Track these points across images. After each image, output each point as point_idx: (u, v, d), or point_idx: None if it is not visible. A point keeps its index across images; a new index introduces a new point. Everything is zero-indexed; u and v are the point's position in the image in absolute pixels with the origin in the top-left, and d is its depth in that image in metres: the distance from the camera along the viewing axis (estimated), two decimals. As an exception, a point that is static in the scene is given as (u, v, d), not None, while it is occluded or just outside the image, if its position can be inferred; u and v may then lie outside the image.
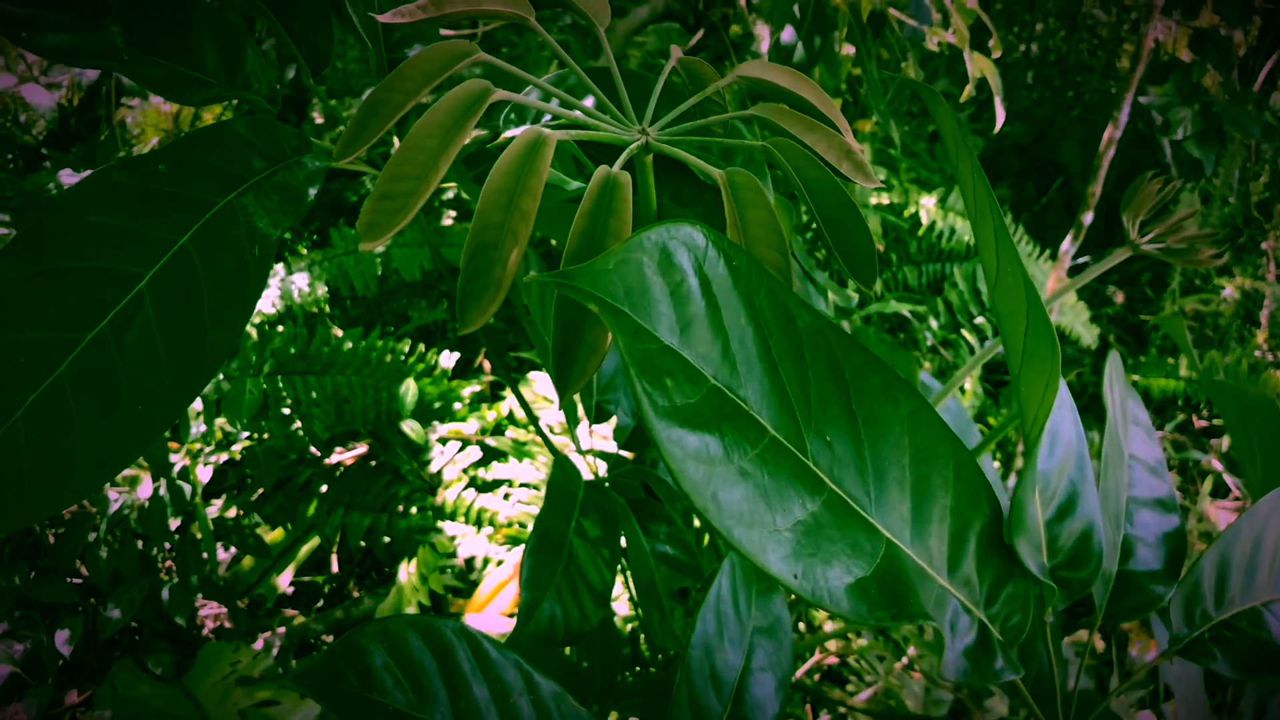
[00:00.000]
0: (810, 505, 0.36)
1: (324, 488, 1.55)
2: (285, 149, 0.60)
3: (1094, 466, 0.51)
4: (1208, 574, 0.50)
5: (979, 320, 2.15)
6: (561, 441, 1.63)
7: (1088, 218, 1.79)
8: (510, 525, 1.49)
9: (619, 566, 0.76)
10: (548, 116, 0.65)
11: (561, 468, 0.76)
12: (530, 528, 1.28)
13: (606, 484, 0.81)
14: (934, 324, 2.13)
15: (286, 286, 1.92)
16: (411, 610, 1.27)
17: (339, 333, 1.83)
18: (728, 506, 0.32)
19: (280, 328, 1.70)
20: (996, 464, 1.99)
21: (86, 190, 0.54)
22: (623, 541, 0.79)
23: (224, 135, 0.58)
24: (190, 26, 0.61)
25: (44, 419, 0.50)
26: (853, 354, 0.39)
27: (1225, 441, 2.18)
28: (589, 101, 0.69)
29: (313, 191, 0.59)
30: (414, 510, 1.48)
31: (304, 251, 2.12)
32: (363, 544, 1.55)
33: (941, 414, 0.97)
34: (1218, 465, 2.11)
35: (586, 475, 0.81)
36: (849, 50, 1.61)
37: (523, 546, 1.25)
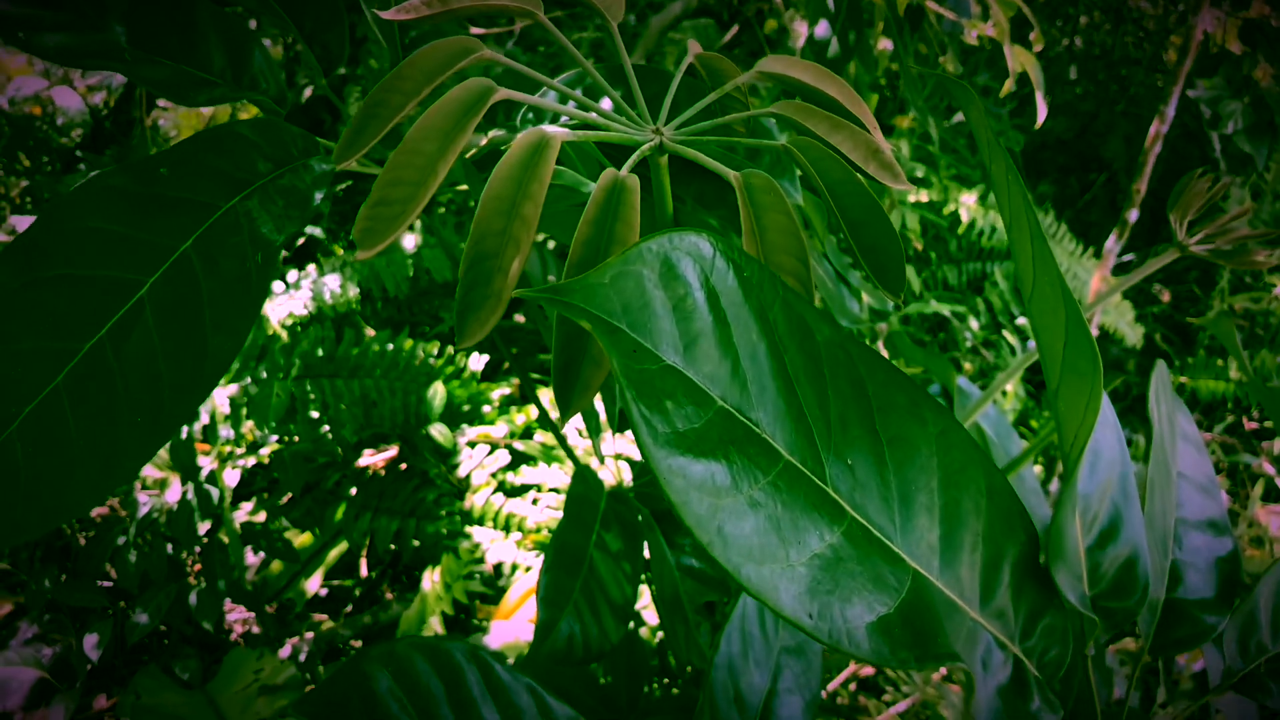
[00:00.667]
0: (829, 536, 0.33)
1: (353, 491, 1.53)
2: (292, 151, 0.58)
3: (1138, 471, 0.48)
4: (1264, 602, 0.46)
5: (1021, 321, 2.10)
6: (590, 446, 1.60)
7: (1133, 215, 1.74)
8: (539, 530, 1.47)
9: (643, 578, 0.74)
10: (565, 117, 0.62)
11: (582, 478, 0.73)
12: (559, 533, 1.25)
13: (631, 494, 0.79)
14: (974, 324, 2.09)
15: (318, 288, 1.91)
16: (435, 620, 1.25)
17: (371, 333, 1.82)
18: (736, 541, 0.29)
19: (313, 329, 1.69)
20: (1039, 468, 1.95)
21: (85, 195, 0.53)
22: (646, 553, 0.77)
23: (228, 137, 0.56)
24: (196, 25, 0.60)
25: (40, 432, 0.49)
26: (877, 370, 0.36)
27: (1277, 444, 2.11)
28: (606, 102, 0.66)
29: (319, 195, 0.57)
30: (442, 514, 1.46)
31: (340, 252, 2.11)
32: (392, 546, 1.53)
33: (981, 421, 0.94)
34: (1269, 469, 2.05)
35: (612, 481, 0.78)
36: (885, 45, 1.57)
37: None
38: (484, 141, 0.72)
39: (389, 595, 1.66)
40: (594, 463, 1.45)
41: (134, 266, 0.52)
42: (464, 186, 0.63)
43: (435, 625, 1.26)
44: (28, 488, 0.49)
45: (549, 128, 0.44)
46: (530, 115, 0.67)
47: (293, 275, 1.87)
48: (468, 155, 0.66)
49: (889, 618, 0.33)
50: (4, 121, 2.04)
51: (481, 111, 0.43)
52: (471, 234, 0.38)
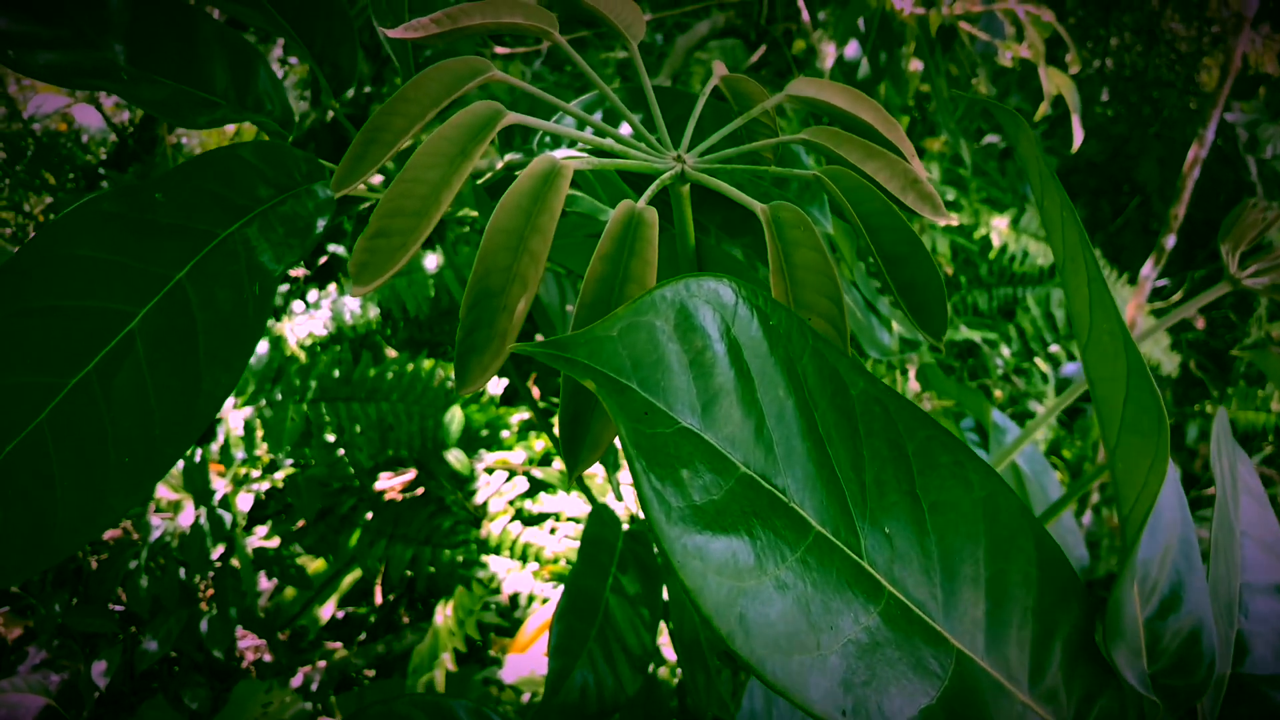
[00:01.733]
0: (864, 617, 0.29)
1: (369, 515, 1.51)
2: (295, 175, 0.56)
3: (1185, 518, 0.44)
4: (1337, 677, 0.42)
5: (1054, 349, 2.05)
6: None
7: (1170, 241, 1.69)
8: (556, 561, 1.44)
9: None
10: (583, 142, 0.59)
11: (598, 519, 0.70)
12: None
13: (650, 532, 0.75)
14: (1005, 351, 2.04)
15: (338, 307, 1.89)
16: (447, 656, 1.22)
17: (393, 354, 1.79)
18: (760, 630, 0.26)
19: (333, 349, 1.67)
20: (1059, 474, 1.89)
21: (76, 220, 0.50)
22: (665, 595, 0.73)
23: (228, 161, 0.54)
24: (198, 43, 0.57)
25: (21, 472, 0.46)
26: (917, 427, 0.33)
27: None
28: (627, 127, 0.63)
29: (322, 223, 0.54)
30: (459, 542, 1.43)
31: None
32: (408, 573, 1.50)
33: (1019, 461, 0.89)
34: (1309, 502, 1.99)
35: (633, 510, 0.75)
36: (916, 66, 1.54)
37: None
38: (500, 165, 0.69)
39: (405, 620, 1.63)
40: (610, 498, 1.42)
41: (125, 297, 0.49)
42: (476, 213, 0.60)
43: (447, 661, 1.22)
44: (6, 532, 0.46)
45: (561, 155, 0.41)
46: (547, 140, 0.64)
47: (313, 295, 1.85)
48: (480, 181, 0.63)
49: (931, 709, 0.30)
50: (30, 138, 2.04)
51: (489, 137, 0.40)
52: (474, 270, 0.35)
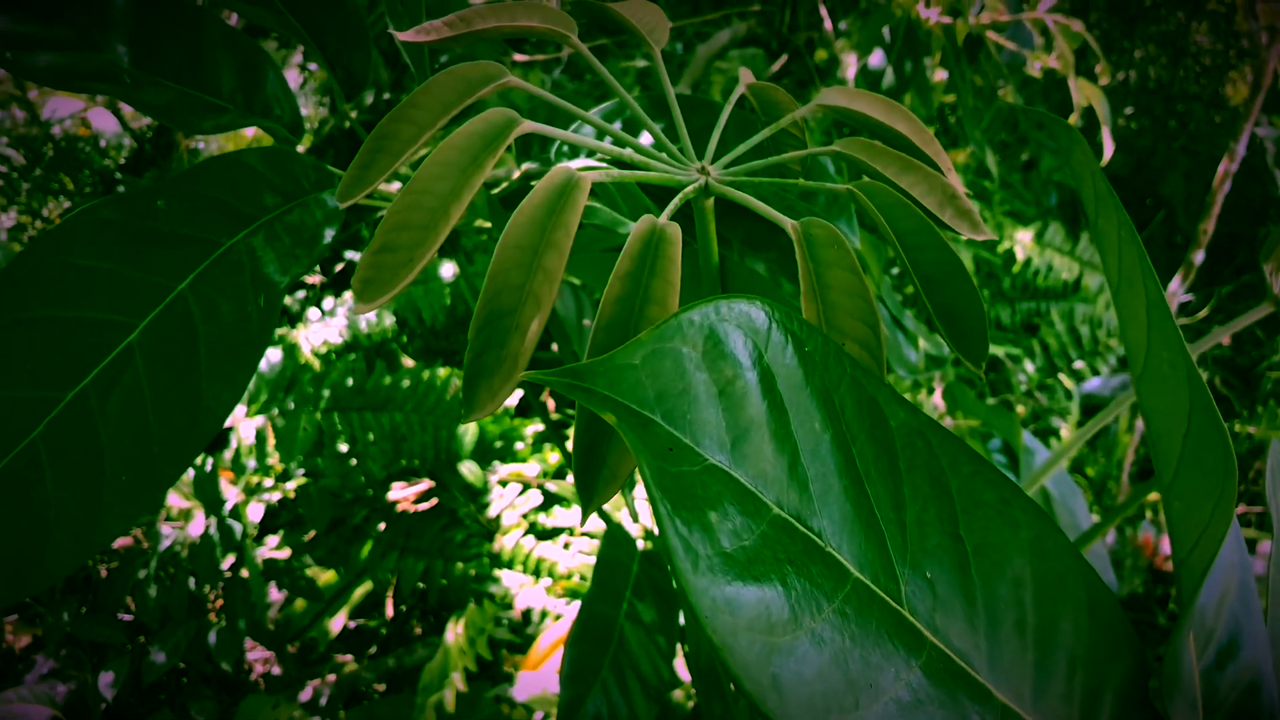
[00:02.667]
0: (905, 672, 0.27)
1: (381, 526, 1.48)
2: (303, 184, 0.54)
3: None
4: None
5: (1078, 365, 2.01)
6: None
7: (1199, 256, 1.66)
8: (570, 577, 1.41)
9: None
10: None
11: (613, 539, 0.67)
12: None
13: (666, 553, 0.73)
14: (1029, 367, 2.01)
15: (354, 316, 1.87)
16: (457, 676, 1.20)
17: (409, 363, 1.77)
18: (795, 690, 0.24)
19: (348, 357, 1.65)
20: (1067, 470, 1.86)
21: (74, 228, 0.48)
22: (682, 619, 0.71)
23: (233, 167, 0.52)
24: (205, 45, 0.55)
25: (14, 491, 0.44)
26: (961, 462, 0.30)
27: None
28: (646, 137, 0.61)
29: (330, 233, 0.52)
30: (471, 555, 1.41)
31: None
32: (420, 585, 1.48)
33: (1049, 486, 0.87)
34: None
35: (649, 523, 0.72)
36: (941, 76, 1.51)
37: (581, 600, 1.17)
38: (516, 175, 0.67)
39: (418, 631, 1.61)
40: (625, 517, 1.39)
41: (124, 308, 0.47)
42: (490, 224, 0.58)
43: (457, 681, 1.20)
44: (-2, 552, 0.44)
45: (579, 165, 0.39)
46: (565, 149, 0.62)
47: (329, 302, 1.84)
48: (495, 191, 0.61)
49: (976, 772, 0.27)
50: (49, 142, 2.03)
51: (502, 146, 0.38)
52: (485, 288, 0.33)
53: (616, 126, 0.61)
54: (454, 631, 1.25)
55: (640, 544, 0.70)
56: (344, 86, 0.61)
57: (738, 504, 0.25)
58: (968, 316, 0.38)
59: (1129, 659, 0.33)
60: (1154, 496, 1.77)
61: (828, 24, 1.92)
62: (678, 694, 1.15)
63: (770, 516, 0.25)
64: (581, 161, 0.57)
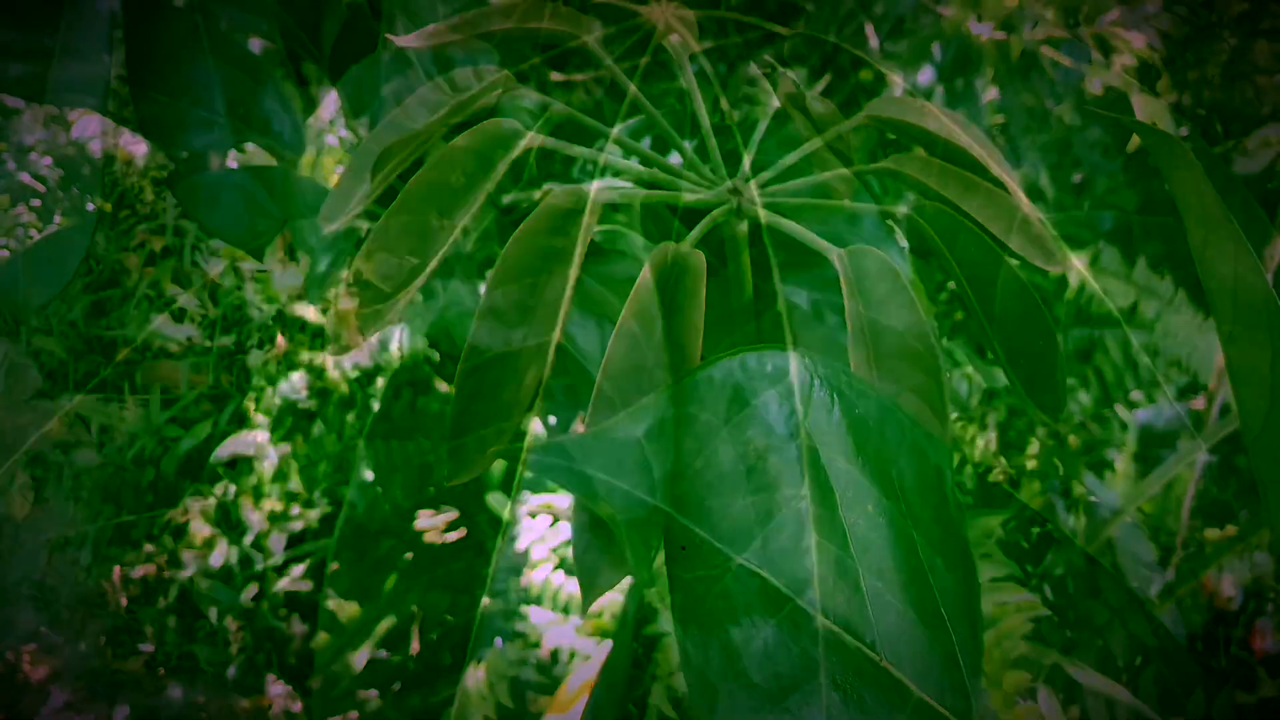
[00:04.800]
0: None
1: (407, 556, 1.44)
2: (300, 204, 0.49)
3: None
4: None
5: (1136, 394, 1.93)
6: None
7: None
8: (600, 615, 1.36)
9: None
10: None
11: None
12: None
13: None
14: (1083, 397, 1.93)
15: (385, 338, 1.84)
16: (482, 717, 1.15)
17: (444, 387, 1.73)
18: None
19: (377, 381, 1.61)
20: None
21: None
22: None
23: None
24: (197, 56, 0.51)
25: None
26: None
27: None
28: (676, 156, 0.56)
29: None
30: (498, 590, 1.36)
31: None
32: (449, 618, 1.44)
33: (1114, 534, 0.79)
34: None
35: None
36: (992, 94, 1.46)
37: (612, 641, 1.11)
38: (538, 195, 0.62)
39: (447, 661, 1.56)
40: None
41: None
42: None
43: (478, 727, 1.15)
44: None
45: (597, 186, 0.34)
46: (589, 167, 0.58)
47: (359, 325, 1.80)
48: (506, 202, 0.56)
49: None
50: (87, 163, 2.02)
51: (504, 162, 0.33)
52: (473, 331, 0.28)
53: (645, 145, 0.57)
54: (474, 677, 1.20)
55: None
56: (352, 102, 0.57)
57: (771, 613, 0.19)
58: (1043, 359, 0.33)
59: None
60: (1216, 535, 1.69)
61: (874, 43, 1.87)
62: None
63: (811, 631, 0.20)
64: (604, 182, 0.52)
